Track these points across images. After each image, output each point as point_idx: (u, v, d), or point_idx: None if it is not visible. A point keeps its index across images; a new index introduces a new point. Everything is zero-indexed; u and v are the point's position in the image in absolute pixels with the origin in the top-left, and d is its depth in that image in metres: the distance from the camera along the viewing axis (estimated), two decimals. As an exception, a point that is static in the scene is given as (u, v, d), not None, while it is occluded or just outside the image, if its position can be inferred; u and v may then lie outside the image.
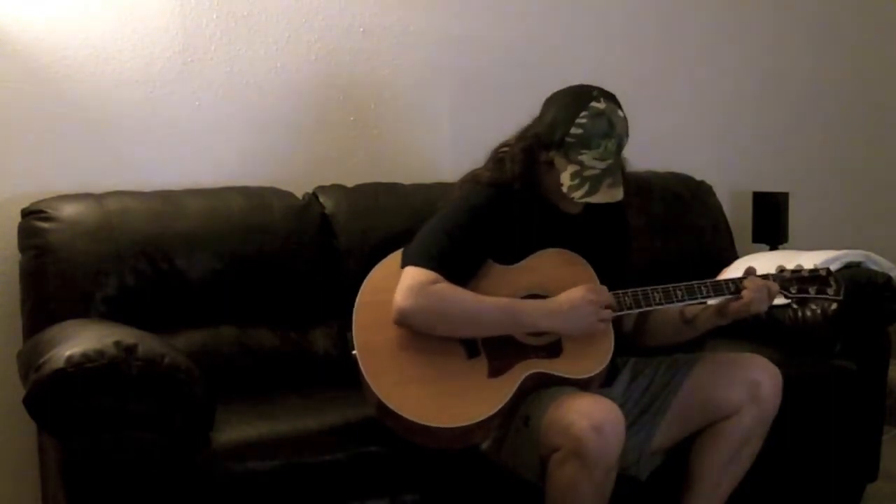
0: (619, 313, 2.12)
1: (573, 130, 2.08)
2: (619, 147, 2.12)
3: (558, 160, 2.11)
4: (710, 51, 3.58)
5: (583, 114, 2.08)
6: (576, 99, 2.12)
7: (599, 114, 2.09)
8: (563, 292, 2.08)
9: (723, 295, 2.15)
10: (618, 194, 2.10)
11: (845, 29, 3.92)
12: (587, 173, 2.08)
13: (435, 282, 2.02)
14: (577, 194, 2.08)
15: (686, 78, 3.54)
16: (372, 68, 2.93)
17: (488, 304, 2.05)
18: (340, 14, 2.87)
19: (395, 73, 2.97)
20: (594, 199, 2.08)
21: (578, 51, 3.26)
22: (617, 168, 2.12)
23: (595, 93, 2.13)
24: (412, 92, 3.00)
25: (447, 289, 2.02)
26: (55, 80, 2.50)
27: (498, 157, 2.24)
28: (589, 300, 2.06)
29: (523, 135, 2.19)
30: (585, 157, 2.08)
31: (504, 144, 2.25)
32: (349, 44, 2.89)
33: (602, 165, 2.09)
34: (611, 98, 2.14)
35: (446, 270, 2.04)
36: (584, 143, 2.08)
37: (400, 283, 2.02)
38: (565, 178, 2.08)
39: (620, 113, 2.13)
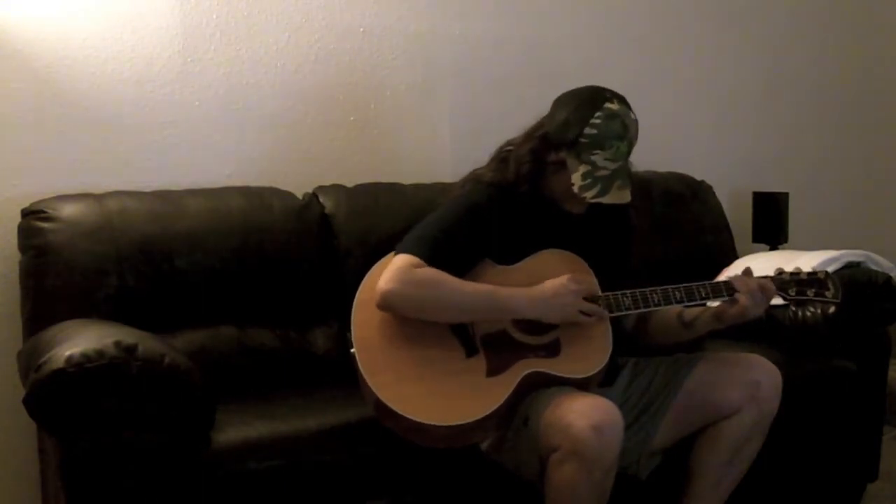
0: (617, 314, 2.12)
1: (587, 130, 2.09)
2: (630, 149, 2.13)
3: (570, 160, 2.11)
4: (711, 50, 3.59)
5: (597, 114, 2.09)
6: (589, 100, 2.13)
7: (613, 115, 2.10)
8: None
9: (721, 297, 2.14)
10: (626, 196, 2.11)
11: (846, 29, 3.92)
12: (599, 174, 2.09)
13: (419, 266, 2.02)
14: (588, 194, 2.08)
15: (686, 77, 3.54)
16: (372, 68, 2.93)
17: (470, 289, 2.05)
18: (340, 14, 2.87)
19: (395, 73, 2.97)
20: (605, 200, 2.08)
21: (579, 51, 3.26)
22: (626, 170, 2.13)
23: (608, 94, 2.14)
24: (412, 92, 3.00)
25: (430, 272, 2.02)
26: (55, 80, 2.50)
27: (501, 158, 2.24)
28: (570, 289, 2.06)
29: (530, 135, 2.19)
30: (598, 157, 2.08)
31: (508, 144, 2.25)
32: (349, 44, 2.89)
33: (613, 166, 2.09)
34: (622, 100, 2.15)
35: (434, 259, 2.04)
36: (598, 143, 2.08)
37: (386, 269, 2.03)
38: (576, 178, 2.09)
39: (632, 115, 2.14)
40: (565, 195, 2.15)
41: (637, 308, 2.12)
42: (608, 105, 2.11)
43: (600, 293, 2.11)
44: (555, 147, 2.14)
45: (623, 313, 2.12)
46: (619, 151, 2.09)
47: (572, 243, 2.17)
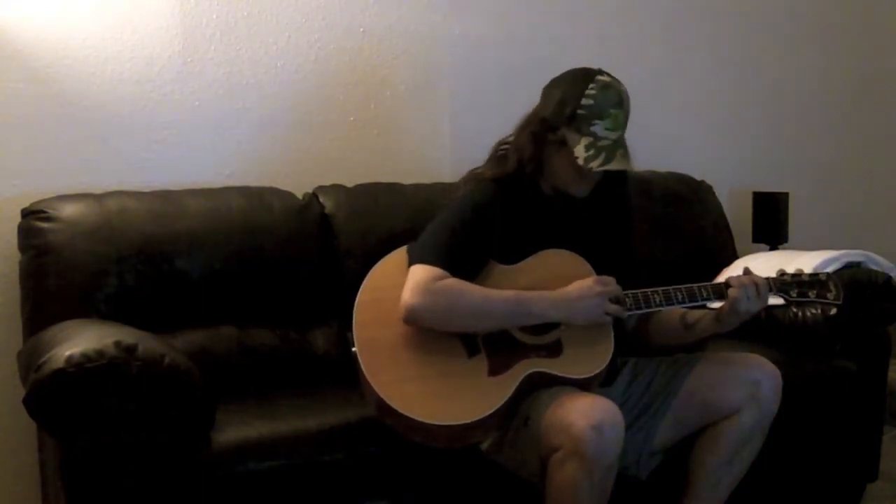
0: (622, 315, 2.11)
1: (584, 102, 2.10)
2: (626, 119, 2.15)
3: (570, 135, 2.12)
4: (711, 51, 3.59)
5: (591, 86, 2.12)
6: (580, 75, 2.16)
7: (607, 86, 2.12)
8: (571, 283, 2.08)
9: (722, 298, 2.14)
10: (630, 163, 2.12)
11: (846, 29, 3.92)
12: (601, 143, 2.10)
13: (441, 278, 2.02)
14: (594, 164, 2.08)
15: (686, 77, 3.54)
16: (372, 68, 2.93)
17: (496, 297, 2.05)
18: (340, 14, 2.87)
19: (395, 73, 2.97)
20: (611, 167, 2.09)
21: (579, 50, 3.23)
22: (624, 140, 2.14)
23: (597, 70, 2.17)
24: (412, 92, 3.00)
25: (454, 284, 2.03)
26: (55, 80, 2.50)
27: (499, 155, 2.24)
28: (597, 291, 2.06)
29: (528, 121, 2.20)
30: (598, 127, 2.10)
31: (503, 141, 2.26)
32: (349, 44, 2.89)
33: (614, 136, 2.11)
34: (611, 75, 2.17)
35: (452, 266, 2.04)
36: (596, 113, 2.10)
37: (407, 282, 2.02)
38: (580, 151, 2.09)
39: (623, 87, 2.16)
40: (568, 175, 2.15)
41: (639, 309, 2.11)
42: (600, 77, 2.14)
43: (622, 294, 2.09)
44: (553, 127, 2.14)
45: (632, 313, 2.12)
46: (617, 120, 2.11)
47: (574, 235, 2.17)
